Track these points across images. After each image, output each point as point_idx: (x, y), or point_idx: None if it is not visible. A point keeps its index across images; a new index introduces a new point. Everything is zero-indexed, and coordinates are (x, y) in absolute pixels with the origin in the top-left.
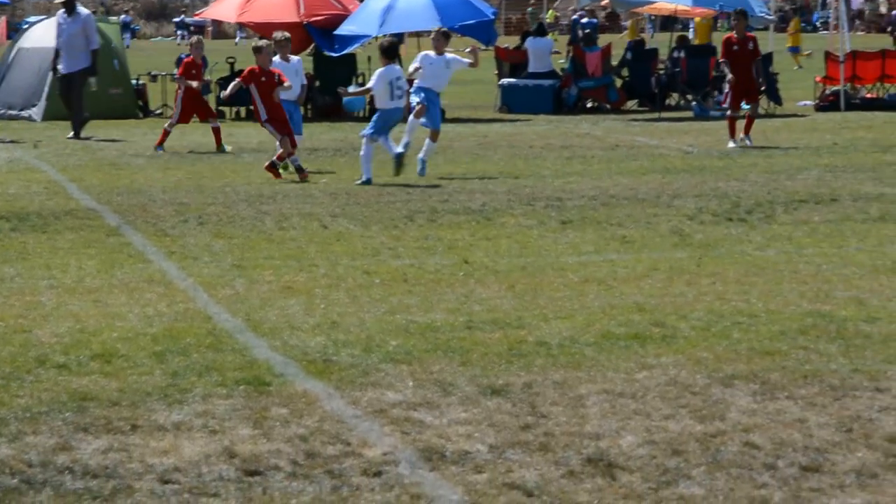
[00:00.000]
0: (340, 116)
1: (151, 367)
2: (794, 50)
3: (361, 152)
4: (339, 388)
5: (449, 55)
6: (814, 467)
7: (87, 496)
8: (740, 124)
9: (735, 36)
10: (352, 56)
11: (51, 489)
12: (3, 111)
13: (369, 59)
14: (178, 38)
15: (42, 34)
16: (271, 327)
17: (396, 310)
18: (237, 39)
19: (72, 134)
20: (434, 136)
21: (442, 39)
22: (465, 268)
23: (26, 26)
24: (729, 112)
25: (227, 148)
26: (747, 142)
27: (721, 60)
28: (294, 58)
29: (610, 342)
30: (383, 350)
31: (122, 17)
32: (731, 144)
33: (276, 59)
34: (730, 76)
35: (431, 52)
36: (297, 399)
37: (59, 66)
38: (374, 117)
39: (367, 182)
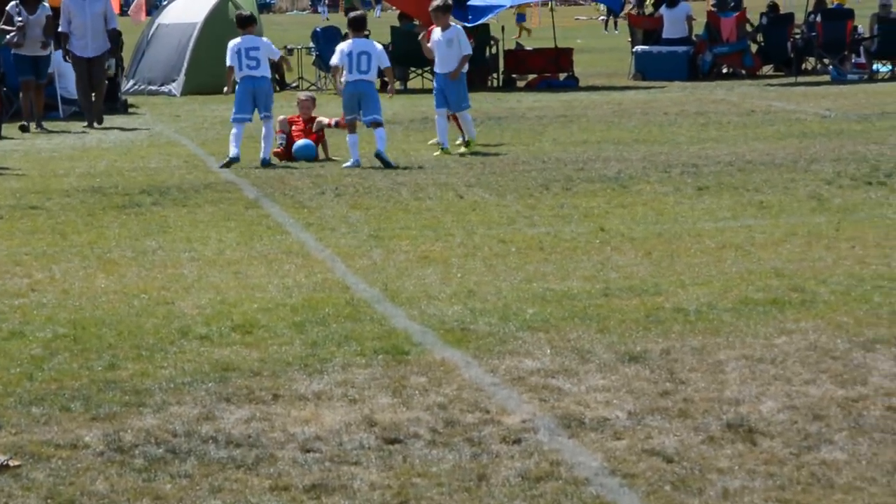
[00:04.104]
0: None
1: (291, 338)
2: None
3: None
4: (477, 357)
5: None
6: None
7: (230, 465)
8: None
9: None
10: (485, 26)
11: (195, 458)
12: (143, 86)
13: (503, 28)
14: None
15: (181, 10)
16: (409, 297)
17: (533, 278)
18: (377, 14)
19: (94, 122)
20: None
21: (440, 14)
22: (601, 235)
23: (165, 2)
24: None
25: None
26: None
27: None
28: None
29: (748, 308)
30: (520, 318)
31: None
32: None
33: (438, 30)
34: None
35: (438, 29)
36: (436, 367)
37: (72, 49)
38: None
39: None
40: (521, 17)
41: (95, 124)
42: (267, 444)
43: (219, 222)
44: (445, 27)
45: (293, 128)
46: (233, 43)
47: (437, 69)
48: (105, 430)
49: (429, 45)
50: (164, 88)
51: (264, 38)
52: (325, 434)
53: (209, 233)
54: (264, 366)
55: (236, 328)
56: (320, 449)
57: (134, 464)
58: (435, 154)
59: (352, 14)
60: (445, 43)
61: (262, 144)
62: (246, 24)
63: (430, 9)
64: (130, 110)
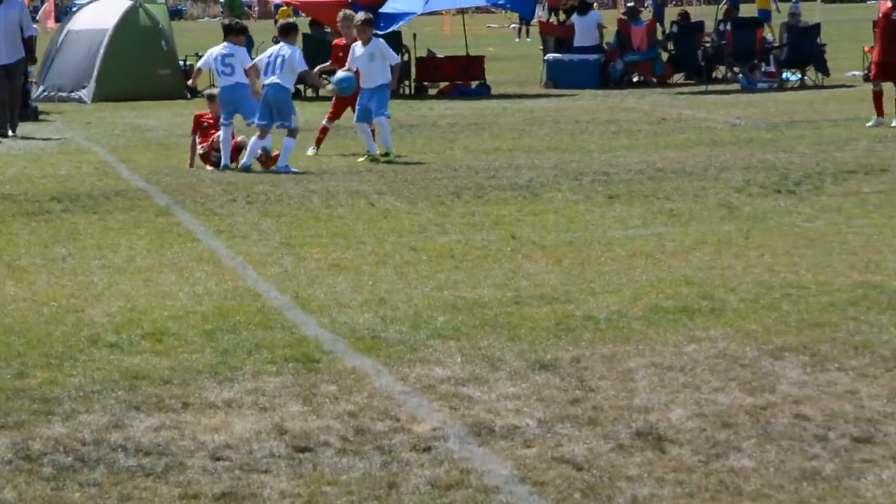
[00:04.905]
0: None
1: (202, 346)
2: None
3: (251, 141)
4: (388, 365)
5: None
6: (865, 438)
7: (139, 473)
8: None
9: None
10: (397, 33)
11: (104, 467)
12: (53, 93)
13: (415, 36)
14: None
15: (91, 16)
16: (319, 304)
17: (444, 286)
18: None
19: (10, 131)
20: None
21: (364, 28)
22: (513, 243)
23: (75, 9)
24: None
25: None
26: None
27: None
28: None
29: (658, 315)
30: (431, 326)
31: None
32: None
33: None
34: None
35: (359, 44)
36: (346, 376)
37: None
38: None
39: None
40: None
41: (9, 132)
42: (176, 452)
43: (129, 230)
44: (367, 41)
45: (204, 124)
46: (212, 50)
47: (362, 85)
48: (13, 439)
49: (345, 65)
50: (74, 95)
51: (241, 48)
52: (235, 442)
53: (119, 240)
54: (174, 374)
55: (146, 336)
56: (230, 457)
57: (42, 472)
58: (359, 160)
59: (282, 21)
60: (367, 57)
61: (246, 151)
62: (228, 33)
63: (354, 23)
64: (41, 117)
